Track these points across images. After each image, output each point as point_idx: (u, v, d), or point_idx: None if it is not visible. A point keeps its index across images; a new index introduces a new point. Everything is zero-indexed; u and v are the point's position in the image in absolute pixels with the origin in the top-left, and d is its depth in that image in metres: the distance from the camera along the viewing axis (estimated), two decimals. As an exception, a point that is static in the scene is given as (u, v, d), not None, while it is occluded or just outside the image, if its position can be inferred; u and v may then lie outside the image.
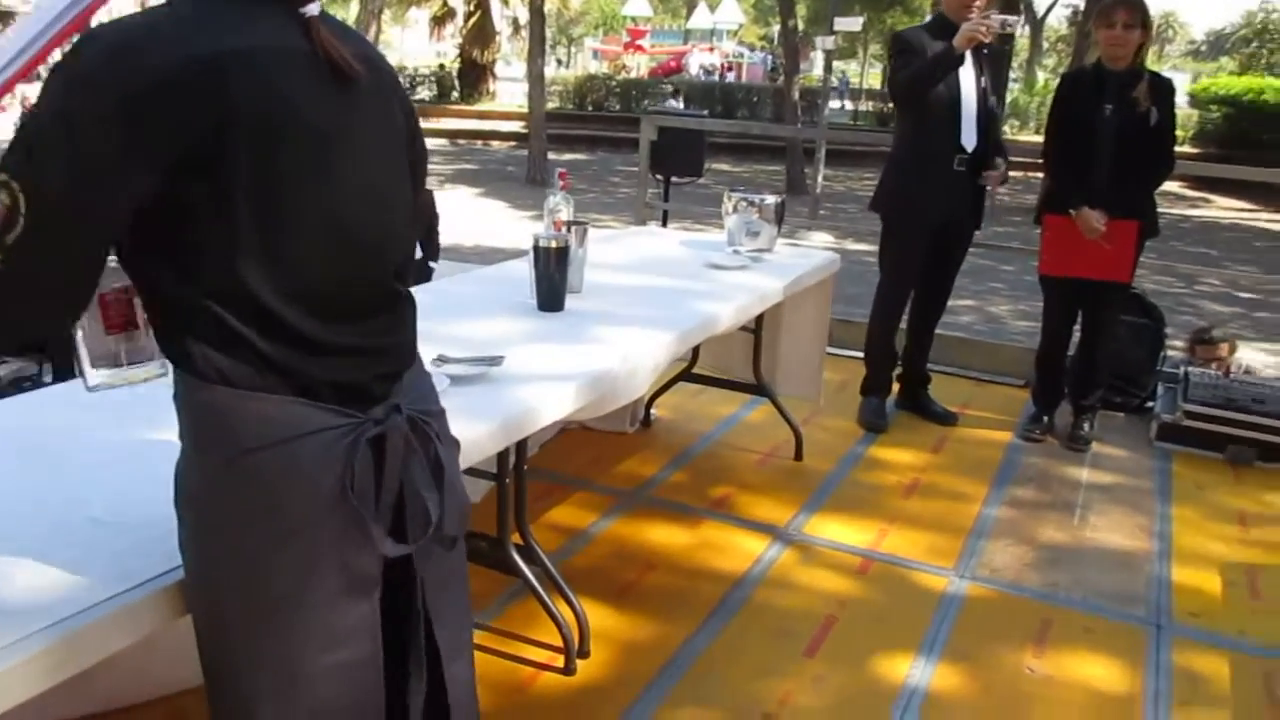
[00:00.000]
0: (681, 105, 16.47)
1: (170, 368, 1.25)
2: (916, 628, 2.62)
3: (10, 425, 1.67)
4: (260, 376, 1.13)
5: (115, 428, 1.63)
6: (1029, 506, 3.39)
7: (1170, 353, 4.49)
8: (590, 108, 24.22)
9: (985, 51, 3.79)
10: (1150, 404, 4.25)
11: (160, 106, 1.00)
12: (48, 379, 3.73)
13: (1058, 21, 34.16)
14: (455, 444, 1.39)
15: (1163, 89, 3.64)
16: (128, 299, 1.29)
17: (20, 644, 1.11)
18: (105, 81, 1.00)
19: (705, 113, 8.57)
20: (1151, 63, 3.82)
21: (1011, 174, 3.97)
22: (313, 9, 1.13)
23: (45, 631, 1.14)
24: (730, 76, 29.52)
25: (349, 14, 20.67)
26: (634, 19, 34.11)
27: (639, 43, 32.76)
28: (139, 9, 1.10)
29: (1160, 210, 3.88)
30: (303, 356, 1.15)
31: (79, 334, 1.29)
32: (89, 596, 1.20)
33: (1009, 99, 20.91)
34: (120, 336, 1.31)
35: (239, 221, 1.08)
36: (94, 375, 1.32)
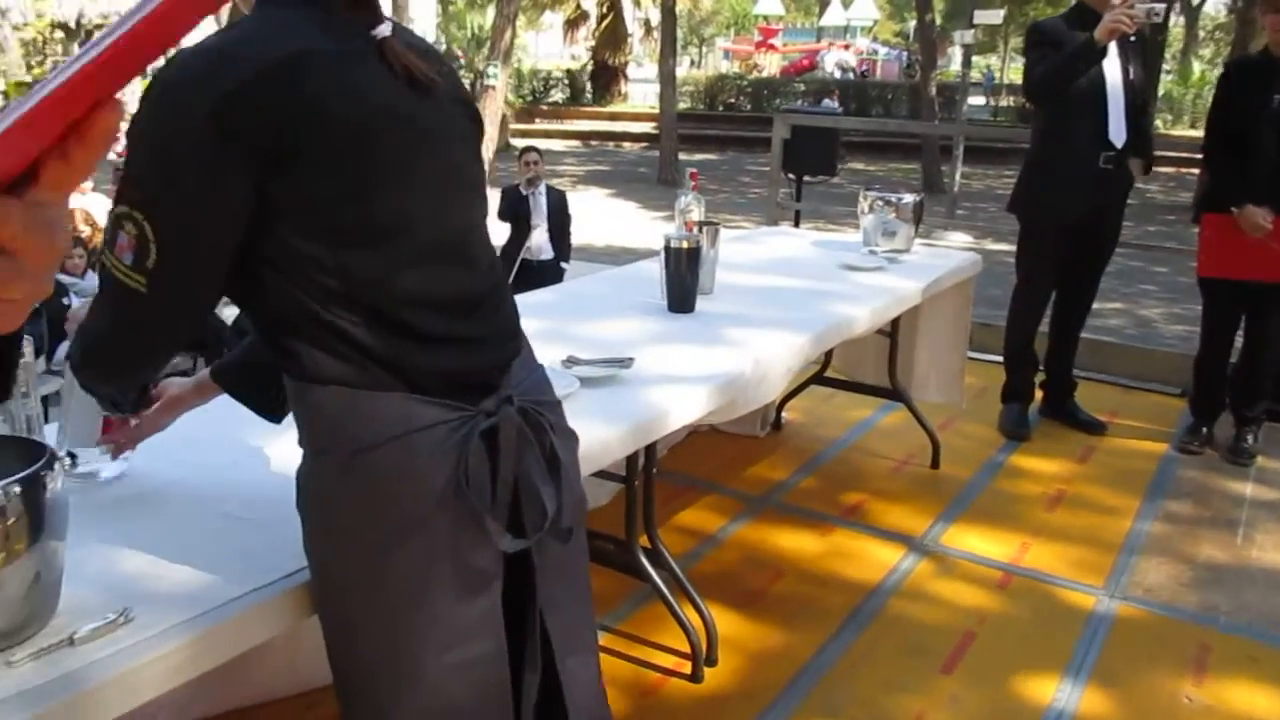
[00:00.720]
0: (837, 105, 16.30)
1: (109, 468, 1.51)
2: (1062, 648, 2.49)
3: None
4: (366, 373, 1.14)
5: (250, 425, 1.66)
6: (1186, 523, 3.19)
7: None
8: (721, 108, 24.14)
9: (1132, 40, 3.58)
10: (1322, 416, 3.95)
11: (244, 107, 1.03)
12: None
13: (1215, 9, 32.31)
14: (573, 436, 1.38)
15: (1341, 77, 3.37)
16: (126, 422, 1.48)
17: (162, 636, 1.14)
18: (191, 93, 1.03)
19: (839, 110, 8.38)
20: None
21: (1165, 170, 3.79)
22: (384, 30, 1.14)
23: (185, 625, 1.16)
24: (863, 70, 28.98)
25: (486, 18, 21.13)
26: (765, 17, 33.85)
27: (770, 41, 32.49)
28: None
29: (1336, 207, 3.59)
30: (406, 349, 1.16)
31: (70, 420, 1.48)
32: (224, 593, 1.23)
33: (1161, 91, 19.93)
34: (108, 447, 1.50)
35: (327, 218, 1.10)
36: (87, 463, 1.53)
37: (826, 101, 17.98)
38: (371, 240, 1.13)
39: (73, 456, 1.50)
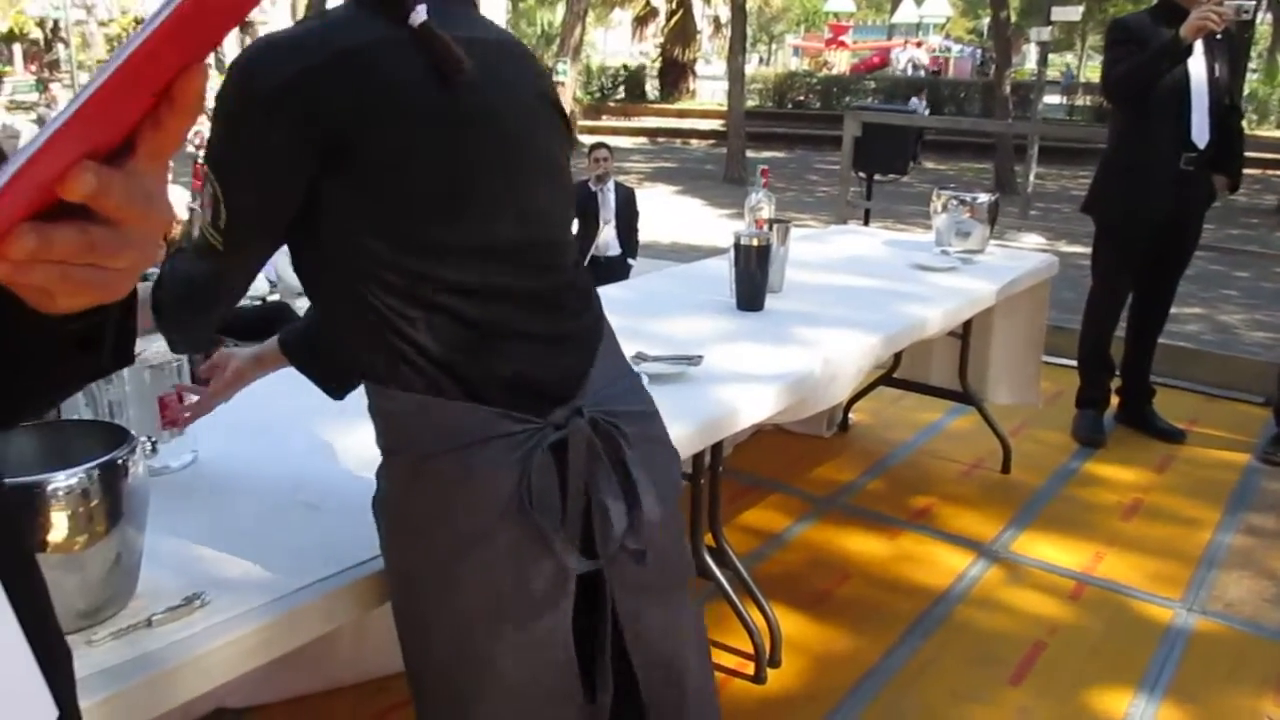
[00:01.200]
0: (924, 105, 16.05)
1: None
2: (1136, 662, 2.42)
3: (239, 405, 1.76)
4: (431, 378, 1.14)
5: (322, 415, 1.68)
6: (1270, 536, 3.08)
7: None
8: (790, 105, 23.94)
9: (1219, 37, 3.46)
10: None
11: (297, 97, 1.06)
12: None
13: (1305, 6, 31.25)
14: (665, 449, 1.35)
15: None
16: (179, 399, 1.52)
17: (235, 620, 1.16)
18: (256, 78, 1.08)
19: (926, 110, 8.24)
20: None
21: (1249, 171, 3.64)
22: (417, 18, 1.13)
23: (258, 610, 1.18)
24: (935, 68, 28.53)
25: (556, 15, 21.22)
26: (836, 15, 33.52)
27: (841, 39, 32.17)
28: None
29: None
30: (474, 351, 1.15)
31: (129, 410, 1.50)
32: (295, 580, 1.24)
33: (1246, 91, 19.33)
34: (166, 433, 1.53)
35: (385, 213, 1.11)
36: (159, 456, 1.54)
37: (914, 100, 17.72)
38: (428, 234, 1.12)
39: (153, 443, 1.53)
